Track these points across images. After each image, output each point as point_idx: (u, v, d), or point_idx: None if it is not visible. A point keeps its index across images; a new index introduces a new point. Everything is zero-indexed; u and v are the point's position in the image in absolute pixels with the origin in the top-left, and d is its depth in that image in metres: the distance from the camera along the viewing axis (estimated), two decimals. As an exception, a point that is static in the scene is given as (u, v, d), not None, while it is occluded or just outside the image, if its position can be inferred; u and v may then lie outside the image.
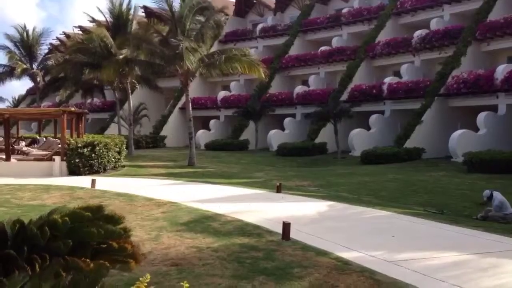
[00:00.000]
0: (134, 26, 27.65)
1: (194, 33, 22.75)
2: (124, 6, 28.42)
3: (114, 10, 28.29)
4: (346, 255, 6.70)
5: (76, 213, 4.62)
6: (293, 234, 7.58)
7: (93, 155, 18.40)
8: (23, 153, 22.89)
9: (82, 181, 15.59)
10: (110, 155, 19.41)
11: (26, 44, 37.32)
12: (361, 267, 6.12)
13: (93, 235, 4.09)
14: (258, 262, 6.32)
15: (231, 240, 7.57)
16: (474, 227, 9.04)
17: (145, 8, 37.84)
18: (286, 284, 5.50)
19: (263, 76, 22.92)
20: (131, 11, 28.66)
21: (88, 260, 4.25)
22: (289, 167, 24.58)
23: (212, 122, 37.58)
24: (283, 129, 33.68)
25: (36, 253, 4.14)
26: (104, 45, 26.18)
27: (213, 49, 26.94)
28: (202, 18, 22.99)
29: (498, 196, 11.73)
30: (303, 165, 25.89)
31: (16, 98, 51.12)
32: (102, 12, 26.68)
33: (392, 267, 6.18)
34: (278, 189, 13.35)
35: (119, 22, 28.15)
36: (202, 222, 8.97)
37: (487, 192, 12.07)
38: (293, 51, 37.85)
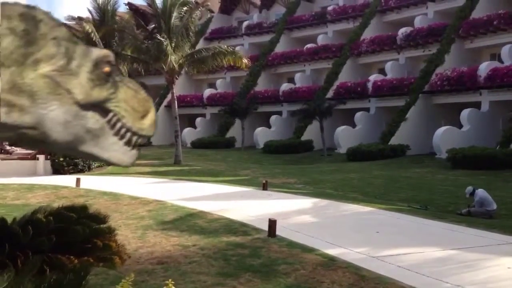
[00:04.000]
0: (118, 22, 27.45)
1: (177, 30, 22.69)
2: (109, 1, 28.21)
3: (99, 6, 28.06)
4: (332, 251, 6.75)
5: (60, 213, 4.60)
6: (279, 231, 7.61)
7: (77, 153, 18.23)
8: (7, 152, 22.63)
9: (67, 180, 15.46)
10: (95, 154, 19.24)
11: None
12: (346, 263, 6.18)
13: (77, 234, 4.08)
14: (244, 259, 6.34)
15: (217, 237, 7.57)
16: (457, 222, 9.15)
17: (130, 4, 37.61)
18: (272, 280, 5.53)
19: (245, 65, 23.16)
20: (116, 7, 28.44)
21: (72, 257, 4.23)
22: (275, 165, 24.64)
23: (198, 120, 37.48)
24: (269, 126, 33.72)
25: (19, 250, 4.11)
26: (90, 41, 25.94)
27: (198, 47, 26.89)
28: (185, 14, 22.94)
29: (479, 192, 11.91)
30: (290, 162, 25.97)
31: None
32: (89, 10, 26.31)
33: (376, 262, 6.25)
34: (265, 187, 13.38)
35: (104, 18, 27.91)
36: (188, 220, 8.97)
37: (469, 189, 12.25)
38: (279, 48, 37.88)
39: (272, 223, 7.62)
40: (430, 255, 6.67)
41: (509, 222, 10.24)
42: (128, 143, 2.71)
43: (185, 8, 22.83)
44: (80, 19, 31.38)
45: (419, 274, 5.76)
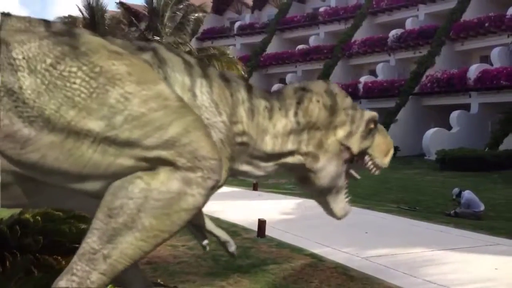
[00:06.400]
0: (109, 21, 27.31)
1: (170, 30, 22.62)
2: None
3: (89, 5, 27.89)
4: (321, 251, 6.78)
5: (48, 212, 4.59)
6: (268, 231, 7.63)
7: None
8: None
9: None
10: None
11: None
12: (335, 263, 6.21)
13: (65, 233, 4.07)
14: (233, 259, 6.34)
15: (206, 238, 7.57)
16: (445, 223, 9.23)
17: (122, 4, 37.42)
18: (260, 280, 5.55)
19: (243, 73, 22.97)
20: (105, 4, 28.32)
21: (60, 258, 4.22)
22: (266, 165, 24.63)
23: (189, 119, 37.38)
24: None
25: (7, 250, 4.10)
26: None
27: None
28: (179, 13, 22.86)
29: (466, 194, 12.01)
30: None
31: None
32: (79, 9, 26.11)
33: (365, 263, 6.29)
34: (255, 187, 13.39)
35: (94, 17, 27.75)
36: (178, 220, 8.94)
37: (455, 190, 12.37)
38: (271, 49, 37.93)
39: (262, 223, 7.64)
40: (418, 256, 6.72)
41: (497, 223, 10.34)
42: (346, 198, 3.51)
43: (180, 7, 22.74)
44: (71, 18, 31.20)
45: (407, 275, 5.81)
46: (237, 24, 41.83)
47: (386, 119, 26.84)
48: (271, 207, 10.54)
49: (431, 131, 24.26)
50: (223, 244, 3.41)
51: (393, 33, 30.75)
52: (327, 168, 3.19)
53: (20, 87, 2.21)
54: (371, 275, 5.74)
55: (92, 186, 2.38)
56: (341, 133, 3.24)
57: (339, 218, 3.57)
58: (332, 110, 3.23)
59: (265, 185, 15.13)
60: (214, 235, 3.39)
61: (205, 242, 3.37)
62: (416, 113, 27.05)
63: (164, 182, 2.34)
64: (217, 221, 8.80)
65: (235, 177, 3.35)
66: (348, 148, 3.29)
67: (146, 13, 22.75)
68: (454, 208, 11.96)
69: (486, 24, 26.52)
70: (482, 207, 11.84)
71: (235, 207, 10.32)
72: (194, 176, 2.38)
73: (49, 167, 2.27)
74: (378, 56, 31.55)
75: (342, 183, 3.37)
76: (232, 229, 8.19)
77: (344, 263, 6.19)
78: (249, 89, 3.09)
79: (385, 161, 3.52)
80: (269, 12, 42.09)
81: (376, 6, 33.74)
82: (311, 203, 12.27)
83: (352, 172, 3.47)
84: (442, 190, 14.92)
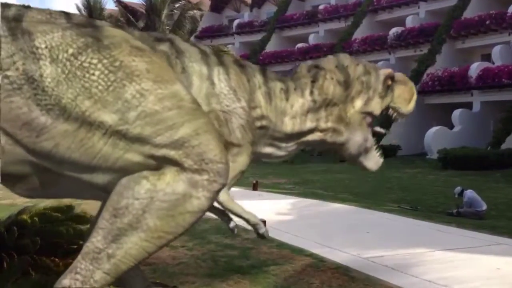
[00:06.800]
0: (107, 20, 27.29)
1: (169, 28, 22.57)
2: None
3: (87, 3, 27.87)
4: (321, 252, 6.72)
5: (46, 213, 4.54)
6: (269, 232, 7.56)
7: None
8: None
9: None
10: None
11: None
12: (335, 263, 6.15)
13: (62, 234, 4.02)
14: (233, 260, 6.30)
15: (206, 238, 7.52)
16: (447, 223, 9.17)
17: (119, 2, 37.36)
18: (261, 282, 5.49)
19: None
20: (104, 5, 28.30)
21: (57, 259, 4.17)
22: (266, 165, 24.58)
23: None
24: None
25: (4, 251, 4.05)
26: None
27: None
28: (177, 11, 22.83)
29: (468, 193, 11.96)
30: (280, 162, 25.68)
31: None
32: (77, 7, 26.13)
33: (366, 263, 6.23)
34: (255, 187, 13.34)
35: (92, 15, 27.73)
36: (178, 220, 8.89)
37: (458, 189, 12.32)
38: (270, 47, 37.86)
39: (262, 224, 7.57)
40: (419, 256, 6.66)
41: (499, 223, 10.29)
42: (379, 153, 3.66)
43: (177, 5, 22.70)
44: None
45: (408, 275, 5.75)
46: (236, 22, 41.74)
47: (388, 117, 26.73)
48: (271, 207, 10.48)
49: (433, 130, 24.18)
50: (253, 226, 3.52)
51: (394, 31, 30.66)
52: (353, 139, 3.34)
53: (41, 75, 2.24)
54: (373, 276, 5.68)
55: (100, 178, 2.39)
56: (359, 103, 3.38)
57: (372, 171, 3.73)
58: (346, 84, 3.34)
59: (265, 185, 15.08)
60: (243, 218, 3.46)
61: (232, 224, 3.42)
62: (418, 112, 26.78)
63: (170, 183, 2.35)
64: (216, 222, 8.75)
65: (258, 160, 3.42)
66: (369, 113, 3.44)
67: (144, 11, 22.68)
68: (456, 208, 11.90)
69: (487, 22, 26.41)
70: (485, 207, 11.78)
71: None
72: (200, 179, 2.38)
73: (61, 156, 2.30)
74: (379, 54, 31.46)
75: (371, 143, 3.52)
76: (232, 229, 8.14)
77: (345, 264, 6.14)
78: (264, 72, 3.18)
79: (409, 107, 3.71)
80: (268, 10, 42.01)
81: (376, 4, 33.66)
82: (312, 203, 12.27)
83: (377, 129, 3.64)
84: (444, 189, 14.86)
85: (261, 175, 18.47)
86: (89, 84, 2.28)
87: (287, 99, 3.17)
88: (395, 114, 3.65)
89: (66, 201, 10.13)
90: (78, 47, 2.32)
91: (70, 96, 2.25)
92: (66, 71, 2.26)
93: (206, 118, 2.53)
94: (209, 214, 9.26)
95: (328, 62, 3.40)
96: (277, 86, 3.16)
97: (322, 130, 3.25)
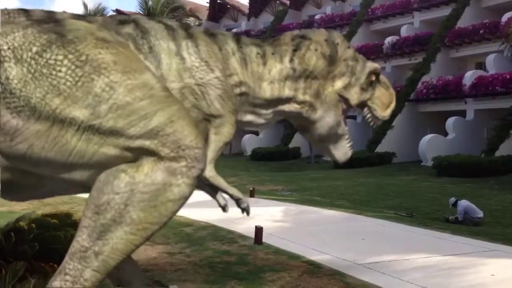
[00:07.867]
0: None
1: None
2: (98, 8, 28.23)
3: (88, 12, 28.05)
4: (318, 258, 6.75)
5: (43, 220, 4.56)
6: (265, 238, 7.60)
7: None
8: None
9: (52, 186, 15.28)
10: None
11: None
12: (332, 270, 6.18)
13: (59, 240, 4.04)
14: (230, 266, 6.32)
15: (203, 245, 7.55)
16: (442, 229, 9.22)
17: (118, 11, 37.53)
18: (257, 288, 5.52)
19: None
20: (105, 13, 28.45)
21: (55, 265, 4.19)
22: (263, 172, 24.64)
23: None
24: (257, 134, 33.74)
25: (2, 258, 4.07)
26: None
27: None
28: (174, 20, 22.96)
29: (462, 203, 12.03)
30: (277, 169, 25.98)
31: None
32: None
33: (362, 269, 6.26)
34: (252, 194, 13.36)
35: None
36: (174, 228, 8.91)
37: (452, 200, 12.41)
38: (267, 56, 37.96)
39: (259, 230, 7.61)
40: (415, 262, 6.70)
41: (494, 229, 10.35)
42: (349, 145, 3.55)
43: (176, 14, 22.81)
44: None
45: (404, 281, 5.79)
46: (233, 32, 41.90)
47: (382, 125, 26.90)
48: (268, 214, 10.50)
49: (427, 137, 24.31)
50: (236, 201, 3.47)
51: (389, 40, 30.88)
52: (325, 118, 3.27)
53: (7, 78, 2.20)
54: (369, 282, 5.71)
55: (79, 175, 2.38)
56: (339, 84, 3.30)
57: (340, 163, 3.62)
58: (332, 60, 3.26)
59: (262, 192, 15.10)
60: (228, 193, 3.44)
61: (223, 202, 3.42)
62: (412, 120, 27.11)
63: (149, 174, 2.34)
64: (214, 228, 8.78)
65: (240, 129, 3.36)
66: (346, 99, 3.36)
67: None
68: (454, 214, 11.96)
69: (481, 31, 26.65)
70: (481, 214, 11.82)
71: (231, 214, 10.27)
72: (178, 166, 2.38)
73: (37, 157, 2.27)
74: (374, 62, 31.58)
75: (342, 130, 3.44)
76: (229, 236, 8.17)
77: (342, 270, 6.17)
78: (238, 39, 3.12)
79: (385, 113, 3.61)
80: (265, 19, 42.23)
81: (371, 14, 33.91)
82: (308, 209, 12.29)
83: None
84: (439, 196, 14.92)
85: (258, 182, 18.50)
86: (57, 81, 2.25)
87: (264, 64, 3.11)
88: (369, 115, 3.57)
89: (64, 208, 10.14)
90: (41, 44, 2.27)
91: (39, 96, 2.21)
92: (32, 71, 2.22)
93: (179, 104, 2.51)
94: (207, 222, 9.27)
95: (318, 34, 3.34)
96: (253, 51, 3.10)
97: (299, 102, 3.19)
